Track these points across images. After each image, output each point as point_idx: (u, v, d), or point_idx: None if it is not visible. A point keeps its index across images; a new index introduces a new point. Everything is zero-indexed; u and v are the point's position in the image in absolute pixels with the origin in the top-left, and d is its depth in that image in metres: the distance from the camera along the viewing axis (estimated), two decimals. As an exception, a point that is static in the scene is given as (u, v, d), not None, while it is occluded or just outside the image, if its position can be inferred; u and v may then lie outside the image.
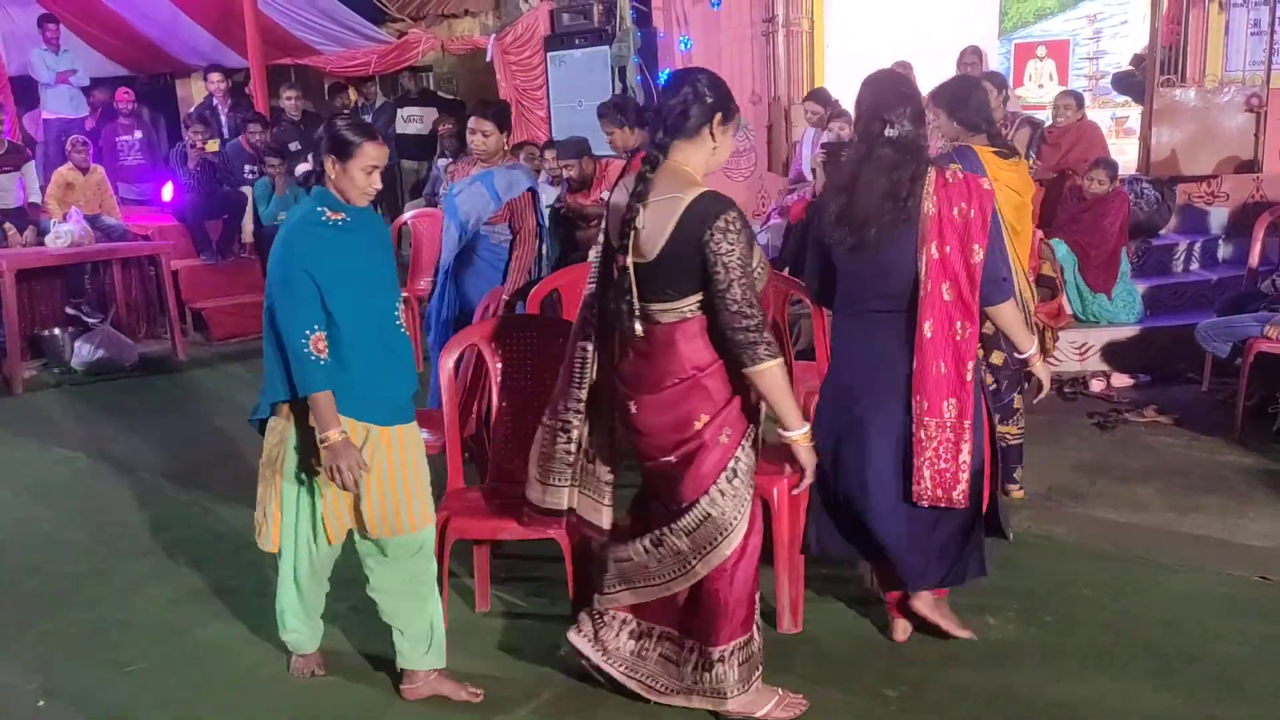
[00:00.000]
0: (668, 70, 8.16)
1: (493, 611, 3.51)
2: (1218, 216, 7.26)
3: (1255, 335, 4.97)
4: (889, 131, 2.92)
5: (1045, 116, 7.05)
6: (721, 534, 2.69)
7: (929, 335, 2.90)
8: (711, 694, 2.80)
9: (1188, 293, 6.61)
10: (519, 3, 9.46)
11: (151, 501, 4.70)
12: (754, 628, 2.82)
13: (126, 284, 7.91)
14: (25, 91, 10.06)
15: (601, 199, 5.89)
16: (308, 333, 2.73)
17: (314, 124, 8.60)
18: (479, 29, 10.28)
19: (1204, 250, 7.07)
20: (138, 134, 10.12)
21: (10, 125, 8.56)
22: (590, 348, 2.80)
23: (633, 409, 2.71)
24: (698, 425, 2.65)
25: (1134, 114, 8.53)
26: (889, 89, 3.00)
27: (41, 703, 3.10)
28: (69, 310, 7.48)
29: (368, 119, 9.70)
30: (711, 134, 2.66)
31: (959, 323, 2.90)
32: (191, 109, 10.40)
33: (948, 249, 2.88)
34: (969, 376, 2.92)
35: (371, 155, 2.80)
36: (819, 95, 7.46)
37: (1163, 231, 7.09)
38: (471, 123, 4.85)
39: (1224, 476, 4.51)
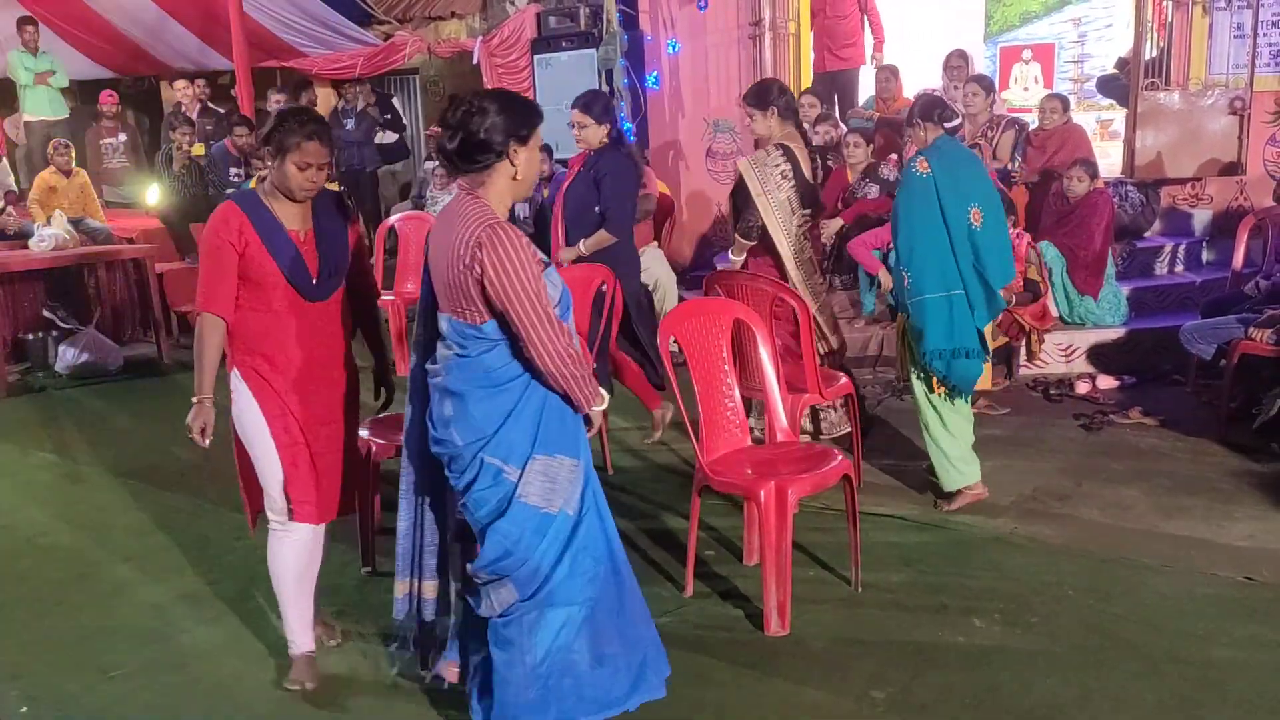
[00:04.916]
0: (655, 73, 8.18)
1: (479, 615, 3.49)
2: (1201, 219, 7.29)
3: (1239, 337, 4.98)
4: None
5: (1031, 119, 7.08)
6: None
7: None
8: None
9: (1172, 295, 6.64)
10: (505, 5, 9.46)
11: (136, 506, 4.67)
12: None
13: (111, 287, 7.87)
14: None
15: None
16: None
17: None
18: (465, 31, 10.26)
19: (1188, 253, 7.10)
20: (122, 136, 10.08)
21: None
22: None
23: None
24: None
25: (1119, 117, 8.60)
26: None
27: (24, 708, 3.08)
28: (45, 314, 7.44)
29: (349, 124, 9.68)
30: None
31: None
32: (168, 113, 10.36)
33: None
34: None
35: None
36: (816, 90, 7.50)
37: (1147, 234, 7.12)
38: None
39: (1208, 477, 4.52)
